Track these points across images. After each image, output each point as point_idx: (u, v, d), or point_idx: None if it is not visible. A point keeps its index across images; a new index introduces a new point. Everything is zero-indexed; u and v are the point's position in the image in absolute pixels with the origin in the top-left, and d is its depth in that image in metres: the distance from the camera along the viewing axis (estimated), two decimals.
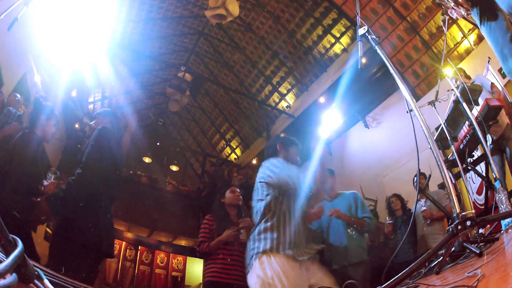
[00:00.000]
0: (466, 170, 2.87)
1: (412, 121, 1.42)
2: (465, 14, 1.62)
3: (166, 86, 9.74)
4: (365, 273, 2.89)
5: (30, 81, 4.07)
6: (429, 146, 1.37)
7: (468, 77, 3.57)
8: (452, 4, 1.66)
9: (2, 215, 0.68)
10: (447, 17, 2.56)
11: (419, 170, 1.60)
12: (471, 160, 2.95)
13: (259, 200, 1.91)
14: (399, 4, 6.32)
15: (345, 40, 8.00)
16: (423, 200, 3.74)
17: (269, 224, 1.81)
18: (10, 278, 0.57)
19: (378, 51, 1.55)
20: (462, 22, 5.59)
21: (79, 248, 2.03)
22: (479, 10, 1.44)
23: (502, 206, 1.80)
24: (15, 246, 0.63)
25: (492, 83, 3.33)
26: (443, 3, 1.81)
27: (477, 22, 1.51)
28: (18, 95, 3.52)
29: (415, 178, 4.05)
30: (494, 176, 2.37)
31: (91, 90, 8.78)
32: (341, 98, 7.02)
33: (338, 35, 8.00)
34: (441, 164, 1.29)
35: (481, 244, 1.46)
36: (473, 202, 3.75)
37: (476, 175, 3.24)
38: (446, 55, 5.69)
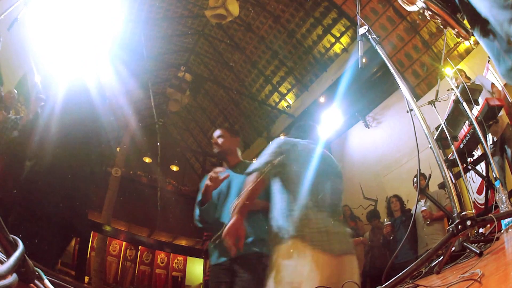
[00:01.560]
0: (466, 170, 2.87)
1: (413, 121, 1.42)
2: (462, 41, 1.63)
3: (166, 86, 9.74)
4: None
5: (30, 81, 4.07)
6: (430, 146, 1.37)
7: (468, 78, 3.57)
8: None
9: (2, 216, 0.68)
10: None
11: (420, 170, 1.60)
12: (471, 160, 2.95)
13: None
14: (399, 3, 6.31)
15: (345, 40, 7.99)
16: (423, 201, 3.75)
17: None
18: (11, 278, 0.57)
19: (379, 50, 1.55)
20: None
21: (43, 214, 1.75)
22: (474, 19, 1.44)
23: (502, 206, 1.80)
24: (15, 246, 0.63)
25: (492, 83, 3.33)
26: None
27: (471, 29, 1.51)
28: (15, 91, 3.51)
29: (415, 179, 4.05)
30: (494, 176, 2.37)
31: None
32: (341, 98, 7.02)
33: (338, 35, 8.00)
34: (441, 164, 1.29)
35: (481, 243, 1.46)
36: (473, 202, 3.75)
37: (476, 175, 3.24)
38: (446, 55, 5.69)
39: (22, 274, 0.64)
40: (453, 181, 2.28)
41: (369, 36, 1.58)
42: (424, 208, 3.64)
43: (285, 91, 9.74)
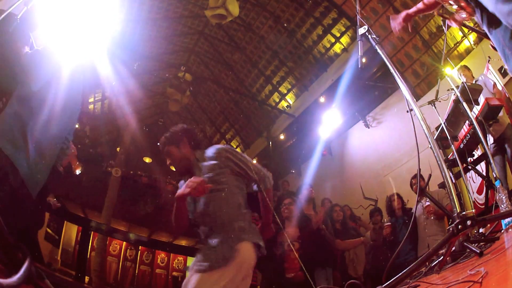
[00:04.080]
0: (466, 170, 2.87)
1: (413, 121, 1.42)
2: (468, 18, 1.61)
3: (166, 86, 9.74)
4: None
5: None
6: (430, 146, 1.37)
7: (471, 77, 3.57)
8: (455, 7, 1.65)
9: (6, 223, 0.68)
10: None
11: (420, 169, 1.60)
12: (471, 160, 2.95)
13: None
14: (399, 3, 6.32)
15: (345, 39, 7.99)
16: (423, 201, 3.74)
17: None
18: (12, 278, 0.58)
19: (379, 50, 1.55)
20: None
21: None
22: (481, 12, 1.44)
23: (502, 206, 1.80)
24: (21, 253, 0.63)
25: (493, 83, 3.33)
26: (444, 14, 1.81)
27: (481, 25, 1.51)
28: None
29: (413, 181, 4.03)
30: (494, 176, 2.37)
31: (91, 90, 8.75)
32: (341, 98, 7.02)
33: (338, 34, 7.99)
34: (441, 164, 1.29)
35: (481, 243, 1.46)
36: (473, 202, 3.75)
37: (477, 175, 3.24)
38: (446, 55, 5.69)
39: None
40: (453, 181, 2.28)
41: (369, 36, 1.58)
42: (428, 203, 3.62)
43: (285, 91, 9.73)
